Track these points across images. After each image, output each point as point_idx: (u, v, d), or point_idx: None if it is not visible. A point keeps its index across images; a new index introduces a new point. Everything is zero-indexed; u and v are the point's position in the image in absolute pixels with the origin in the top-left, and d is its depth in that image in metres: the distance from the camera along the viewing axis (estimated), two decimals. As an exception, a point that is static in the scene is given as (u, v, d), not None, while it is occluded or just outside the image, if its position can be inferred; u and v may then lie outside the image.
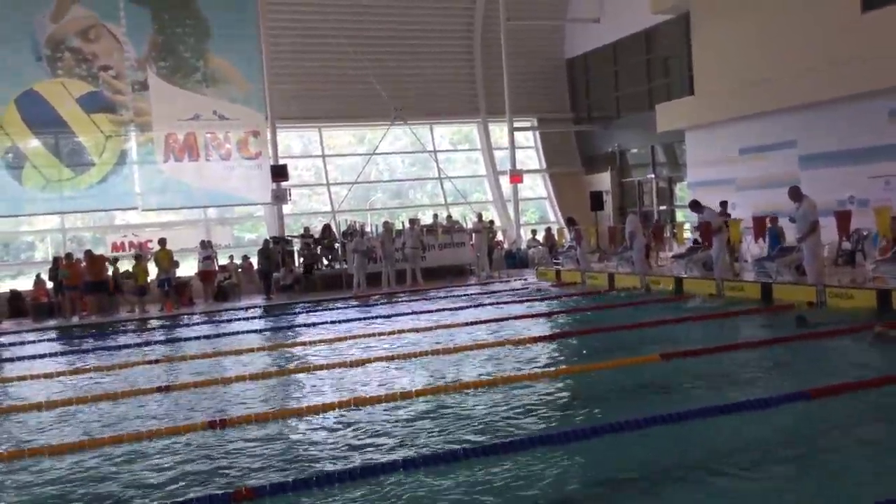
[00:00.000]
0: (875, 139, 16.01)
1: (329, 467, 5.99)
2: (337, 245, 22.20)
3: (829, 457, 5.61)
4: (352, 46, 24.49)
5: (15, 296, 19.32)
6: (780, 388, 7.40)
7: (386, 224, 21.40)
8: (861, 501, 4.64)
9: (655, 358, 9.02)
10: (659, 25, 23.37)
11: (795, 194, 13.19)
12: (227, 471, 6.11)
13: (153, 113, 22.48)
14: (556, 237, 23.51)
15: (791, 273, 13.95)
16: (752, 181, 19.03)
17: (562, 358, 9.87)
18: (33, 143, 21.59)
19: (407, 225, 21.59)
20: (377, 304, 17.33)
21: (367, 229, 22.31)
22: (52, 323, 17.57)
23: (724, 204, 17.35)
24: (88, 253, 18.87)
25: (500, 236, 24.10)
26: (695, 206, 15.66)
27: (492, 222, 24.08)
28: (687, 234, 19.29)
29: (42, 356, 12.83)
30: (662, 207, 24.40)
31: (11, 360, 12.66)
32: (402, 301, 17.60)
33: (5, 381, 10.72)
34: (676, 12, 21.59)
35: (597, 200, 22.33)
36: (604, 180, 26.14)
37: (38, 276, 19.62)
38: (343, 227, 22.74)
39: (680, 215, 23.02)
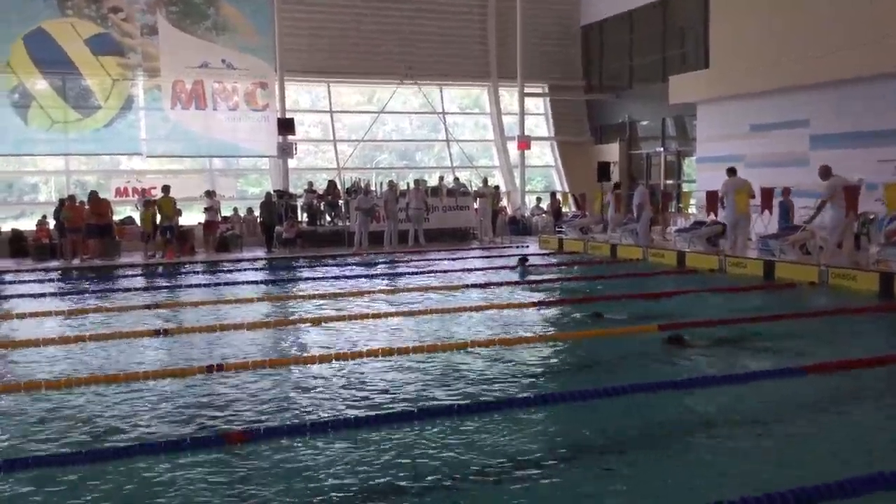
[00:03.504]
0: (889, 122, 15.84)
1: (322, 415, 6.01)
2: (340, 202, 22.12)
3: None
4: (364, 1, 24.20)
5: (17, 236, 19.30)
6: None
7: (390, 183, 21.32)
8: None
9: (654, 328, 9.01)
10: (677, -4, 23.08)
11: (824, 173, 13.16)
12: (221, 414, 6.12)
13: (161, 58, 22.27)
14: (561, 205, 23.42)
15: (795, 252, 13.89)
16: (761, 158, 18.86)
17: (553, 324, 9.86)
18: (40, 83, 21.43)
19: (412, 186, 21.49)
20: (376, 263, 17.28)
21: (372, 188, 22.24)
22: (52, 264, 17.57)
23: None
24: (94, 195, 18.77)
25: (504, 201, 24.00)
26: (731, 172, 15.59)
27: (497, 187, 23.97)
28: (692, 210, 19.21)
29: (38, 295, 12.82)
30: (669, 181, 24.24)
31: (8, 297, 12.70)
32: (402, 261, 17.55)
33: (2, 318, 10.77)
34: (695, -17, 21.30)
35: (604, 171, 22.15)
36: (612, 151, 25.95)
37: (43, 217, 19.59)
38: (348, 185, 22.66)
39: (687, 189, 22.86)
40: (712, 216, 16.38)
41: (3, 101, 21.05)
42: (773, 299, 11.76)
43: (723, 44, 20.02)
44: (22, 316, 10.76)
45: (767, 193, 14.99)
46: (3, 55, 20.87)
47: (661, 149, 24.58)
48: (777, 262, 13.58)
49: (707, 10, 20.98)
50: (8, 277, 15.60)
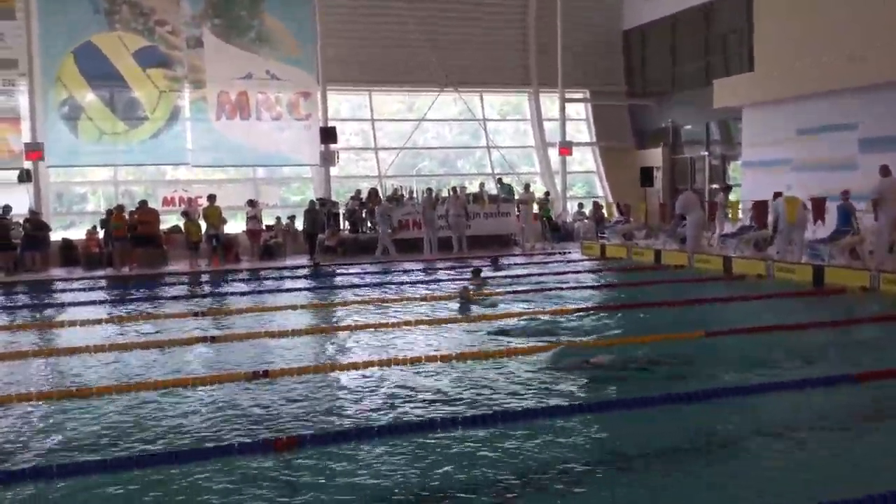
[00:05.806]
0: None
1: (366, 421, 6.04)
2: (380, 209, 22.24)
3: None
4: (405, 11, 24.35)
5: (67, 245, 19.74)
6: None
7: (428, 190, 21.37)
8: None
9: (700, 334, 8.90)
10: (720, -1, 22.83)
11: (883, 171, 12.90)
12: (267, 420, 6.18)
13: (207, 70, 22.63)
14: (604, 211, 23.25)
15: (844, 256, 13.60)
16: (808, 163, 18.51)
17: (600, 330, 9.77)
18: (89, 96, 21.92)
19: (451, 193, 21.50)
20: (404, 271, 17.26)
21: (414, 195, 22.33)
22: (100, 273, 17.93)
23: None
24: (142, 204, 19.11)
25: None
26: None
27: (547, 193, 23.88)
28: (740, 214, 18.91)
29: (87, 303, 13.08)
30: (714, 186, 23.91)
31: (61, 305, 13.00)
32: (438, 268, 17.53)
33: (52, 326, 11.02)
34: (739, -15, 21.04)
35: (647, 176, 21.94)
36: (655, 156, 25.70)
37: (93, 226, 20.00)
38: (388, 193, 22.81)
39: (733, 196, 22.54)
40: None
41: (54, 115, 21.58)
42: (822, 305, 11.53)
43: (767, 47, 19.70)
44: (72, 323, 11.00)
45: (819, 203, 14.62)
46: (53, 69, 21.42)
47: (706, 153, 24.27)
48: (826, 267, 13.30)
49: (750, 13, 20.68)
50: (60, 286, 15.96)
